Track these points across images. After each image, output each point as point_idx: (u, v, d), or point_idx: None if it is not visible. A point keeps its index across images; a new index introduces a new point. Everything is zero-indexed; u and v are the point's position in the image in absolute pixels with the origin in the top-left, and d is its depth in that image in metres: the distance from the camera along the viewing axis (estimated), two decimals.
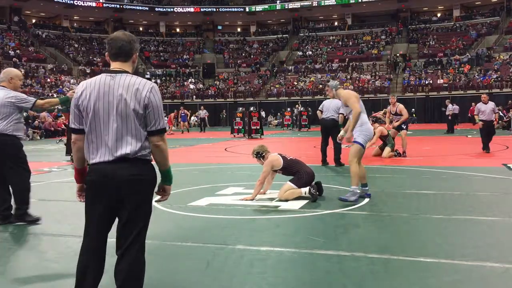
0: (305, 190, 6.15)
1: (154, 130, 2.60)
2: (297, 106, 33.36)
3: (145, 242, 2.67)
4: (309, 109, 28.71)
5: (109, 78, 2.61)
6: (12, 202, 5.19)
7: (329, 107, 10.32)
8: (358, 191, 6.07)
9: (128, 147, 2.55)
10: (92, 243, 2.64)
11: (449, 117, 22.32)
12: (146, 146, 2.61)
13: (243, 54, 50.85)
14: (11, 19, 45.31)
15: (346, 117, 6.57)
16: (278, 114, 36.77)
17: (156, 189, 2.76)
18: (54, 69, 40.86)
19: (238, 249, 4.14)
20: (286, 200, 6.14)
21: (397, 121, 11.93)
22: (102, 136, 2.58)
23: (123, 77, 2.60)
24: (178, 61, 49.52)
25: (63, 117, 26.11)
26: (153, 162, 2.70)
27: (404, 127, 12.07)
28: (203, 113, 30.88)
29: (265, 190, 6.59)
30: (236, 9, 52.61)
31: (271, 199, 6.30)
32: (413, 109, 37.08)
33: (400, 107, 11.92)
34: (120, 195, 2.56)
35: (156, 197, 2.83)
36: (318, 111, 10.73)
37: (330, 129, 10.17)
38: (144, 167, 2.61)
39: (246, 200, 6.23)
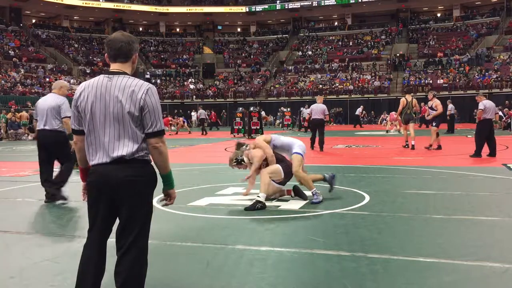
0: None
1: (152, 132, 2.57)
2: (282, 108, 34.41)
3: (147, 243, 2.66)
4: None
5: (106, 79, 2.59)
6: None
7: (317, 110, 14.08)
8: (318, 191, 6.10)
9: (125, 149, 2.54)
10: (94, 243, 2.64)
11: (448, 117, 22.33)
12: (144, 147, 2.60)
13: (243, 54, 50.85)
14: (11, 19, 45.30)
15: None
16: (278, 114, 36.84)
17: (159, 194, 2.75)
18: (54, 69, 40.86)
19: (238, 249, 4.14)
20: (272, 198, 6.09)
21: (429, 115, 13.69)
22: (100, 137, 2.57)
23: (119, 79, 2.58)
24: (178, 61, 49.53)
25: None
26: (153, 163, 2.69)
27: (434, 124, 13.37)
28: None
29: (248, 191, 6.48)
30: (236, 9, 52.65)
31: (271, 199, 6.29)
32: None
33: (436, 102, 13.27)
34: (118, 196, 2.55)
35: (158, 199, 2.82)
36: (307, 114, 14.74)
37: (318, 126, 14.18)
38: (141, 168, 2.59)
39: (245, 194, 6.29)
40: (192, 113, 39.52)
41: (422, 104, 25.99)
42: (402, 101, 13.80)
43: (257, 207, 5.65)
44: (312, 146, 14.18)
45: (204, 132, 25.41)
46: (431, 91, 16.72)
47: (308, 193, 6.22)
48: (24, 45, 42.67)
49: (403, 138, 14.53)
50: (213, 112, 36.29)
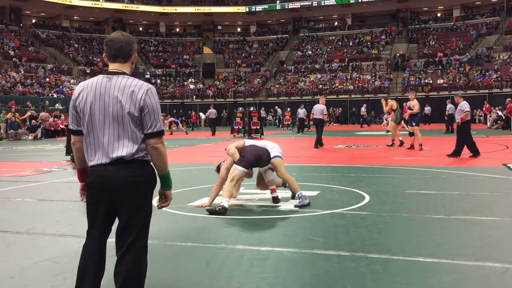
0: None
1: (151, 133, 2.57)
2: (276, 107, 34.93)
3: (147, 243, 2.66)
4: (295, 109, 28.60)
5: (105, 79, 2.58)
6: None
7: (317, 110, 15.08)
8: (304, 194, 6.00)
9: (124, 149, 2.53)
10: (93, 243, 2.64)
11: (446, 117, 22.36)
12: (143, 148, 2.59)
13: (243, 54, 50.84)
14: (11, 19, 45.31)
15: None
16: (276, 114, 37.04)
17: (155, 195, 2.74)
18: (54, 69, 40.85)
19: (238, 249, 4.14)
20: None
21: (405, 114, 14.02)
22: (99, 138, 2.56)
23: (119, 79, 2.57)
24: (178, 61, 49.52)
25: (63, 117, 26.12)
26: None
27: (414, 124, 13.59)
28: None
29: (234, 196, 6.37)
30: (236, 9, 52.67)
31: (271, 199, 6.28)
32: None
33: (414, 102, 13.56)
34: (118, 196, 2.55)
35: (157, 200, 2.81)
36: (311, 114, 15.82)
37: (317, 125, 15.37)
38: (140, 168, 2.59)
39: (203, 206, 5.90)
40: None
41: (404, 104, 26.03)
42: (392, 104, 15.13)
43: (217, 210, 5.51)
44: (322, 144, 15.19)
45: (213, 133, 24.99)
46: (412, 91, 17.57)
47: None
48: (24, 45, 42.65)
49: (407, 139, 14.64)
50: (193, 113, 36.46)
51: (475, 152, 11.17)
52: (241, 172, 5.80)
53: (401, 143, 14.78)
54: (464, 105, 11.28)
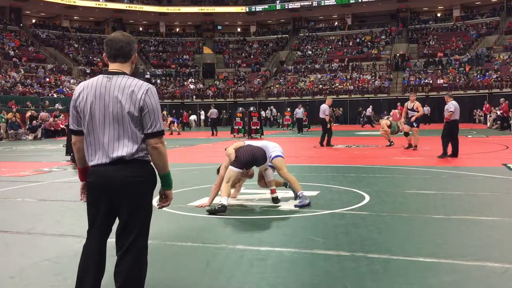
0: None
1: (151, 133, 2.57)
2: (271, 107, 35.77)
3: (147, 243, 2.65)
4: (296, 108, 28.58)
5: (106, 79, 2.58)
6: None
7: (320, 110, 15.49)
8: (305, 193, 6.00)
9: (125, 149, 2.53)
10: (93, 243, 2.64)
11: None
12: (143, 148, 2.59)
13: (243, 54, 50.84)
14: (11, 19, 45.31)
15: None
16: (278, 114, 37.08)
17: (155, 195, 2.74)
18: (54, 69, 40.84)
19: (238, 249, 4.14)
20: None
21: (411, 116, 13.56)
22: (99, 138, 2.56)
23: (119, 79, 2.57)
24: (178, 61, 49.52)
25: (62, 117, 26.11)
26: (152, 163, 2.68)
27: (416, 125, 13.48)
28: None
29: (234, 196, 6.42)
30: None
31: (271, 199, 6.28)
32: None
33: (417, 104, 13.51)
34: (118, 196, 2.55)
35: (158, 200, 2.81)
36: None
37: (320, 124, 15.92)
38: (141, 168, 2.59)
39: (202, 206, 5.90)
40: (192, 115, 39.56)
41: (398, 104, 26.05)
42: (384, 123, 15.37)
43: (217, 208, 5.51)
44: (322, 144, 15.55)
45: (215, 133, 24.77)
46: (412, 92, 17.26)
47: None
48: (24, 45, 42.64)
49: (405, 139, 14.62)
50: (185, 113, 36.52)
51: (445, 153, 11.12)
52: (235, 172, 5.79)
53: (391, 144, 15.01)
54: (450, 105, 11.29)
